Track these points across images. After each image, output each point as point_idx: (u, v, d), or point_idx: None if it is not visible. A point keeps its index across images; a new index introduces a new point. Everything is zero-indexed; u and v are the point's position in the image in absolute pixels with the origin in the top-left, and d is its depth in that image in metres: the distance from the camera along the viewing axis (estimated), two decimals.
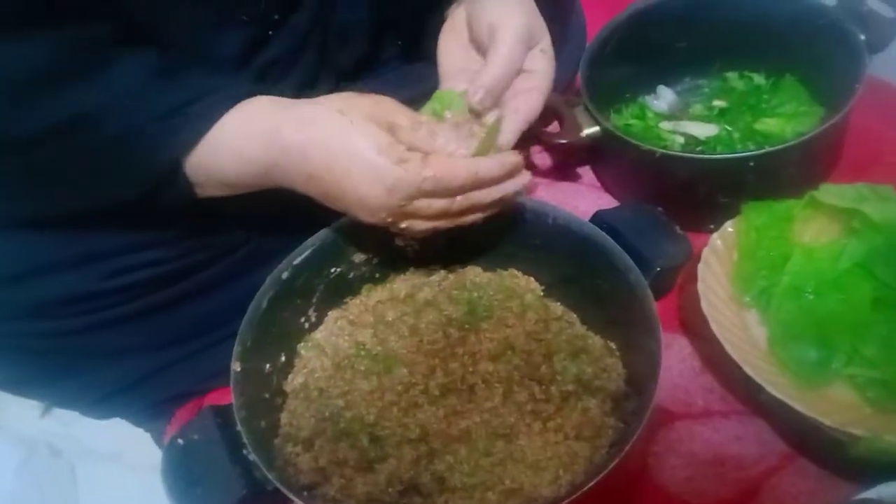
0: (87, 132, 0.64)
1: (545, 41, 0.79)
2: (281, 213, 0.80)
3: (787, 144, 0.85)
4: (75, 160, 0.66)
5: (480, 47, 0.79)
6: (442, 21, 0.84)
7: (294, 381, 0.76)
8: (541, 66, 0.78)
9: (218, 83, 0.69)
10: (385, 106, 0.67)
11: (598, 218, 0.78)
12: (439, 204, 0.67)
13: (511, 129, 0.76)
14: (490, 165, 0.68)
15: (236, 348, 0.69)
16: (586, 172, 1.07)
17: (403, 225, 0.69)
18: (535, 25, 0.78)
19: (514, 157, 0.70)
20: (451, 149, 0.68)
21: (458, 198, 0.68)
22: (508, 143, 0.75)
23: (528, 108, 0.77)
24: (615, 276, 0.72)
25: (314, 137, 0.65)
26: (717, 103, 1.08)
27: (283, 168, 0.67)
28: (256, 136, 0.66)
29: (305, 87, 0.81)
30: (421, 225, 0.69)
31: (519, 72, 0.77)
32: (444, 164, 0.65)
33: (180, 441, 0.67)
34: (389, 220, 0.68)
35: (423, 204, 0.67)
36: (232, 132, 0.66)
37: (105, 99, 0.63)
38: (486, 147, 0.70)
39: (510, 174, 0.70)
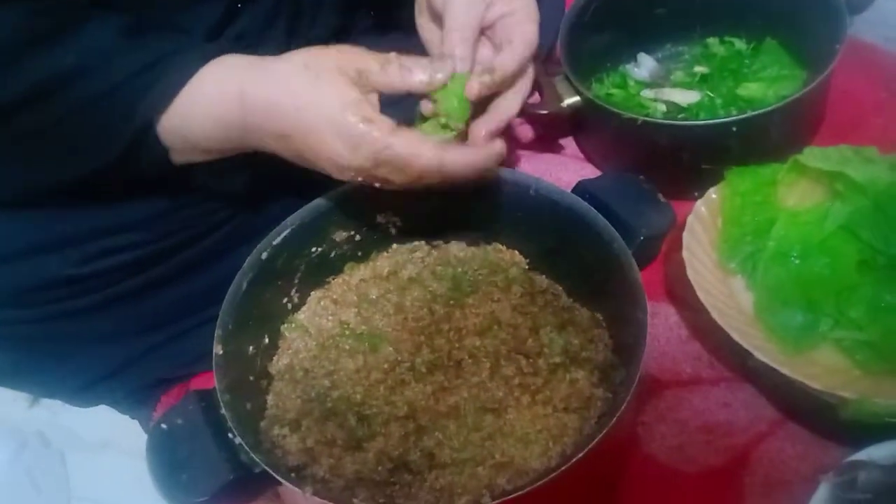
0: (60, 95, 0.63)
1: None
2: (261, 191, 0.79)
3: (770, 108, 0.85)
4: (51, 126, 0.65)
5: (435, 16, 0.77)
6: None
7: (279, 363, 0.75)
8: (513, 6, 0.74)
9: (189, 41, 0.68)
10: (351, 54, 0.66)
11: (581, 188, 0.77)
12: (403, 179, 0.66)
13: (509, 58, 0.73)
14: (456, 159, 0.66)
15: (217, 331, 0.68)
16: (568, 143, 1.06)
17: (377, 185, 0.68)
18: None
19: (483, 156, 0.68)
20: (426, 79, 0.67)
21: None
22: (510, 72, 0.73)
23: (523, 36, 0.74)
24: (599, 246, 0.71)
25: (281, 95, 0.64)
26: (699, 69, 1.07)
27: (254, 127, 0.66)
28: (227, 95, 0.65)
29: None
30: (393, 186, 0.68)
31: (480, 27, 0.74)
32: (410, 141, 0.64)
33: (164, 426, 0.66)
34: (360, 179, 0.66)
35: (388, 172, 0.65)
36: (204, 91, 0.65)
37: (77, 59, 0.62)
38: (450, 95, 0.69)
39: (476, 171, 0.68)
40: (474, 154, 0.68)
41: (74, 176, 0.69)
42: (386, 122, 0.63)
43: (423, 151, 0.64)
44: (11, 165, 0.70)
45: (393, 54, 0.67)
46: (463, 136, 0.72)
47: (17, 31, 0.60)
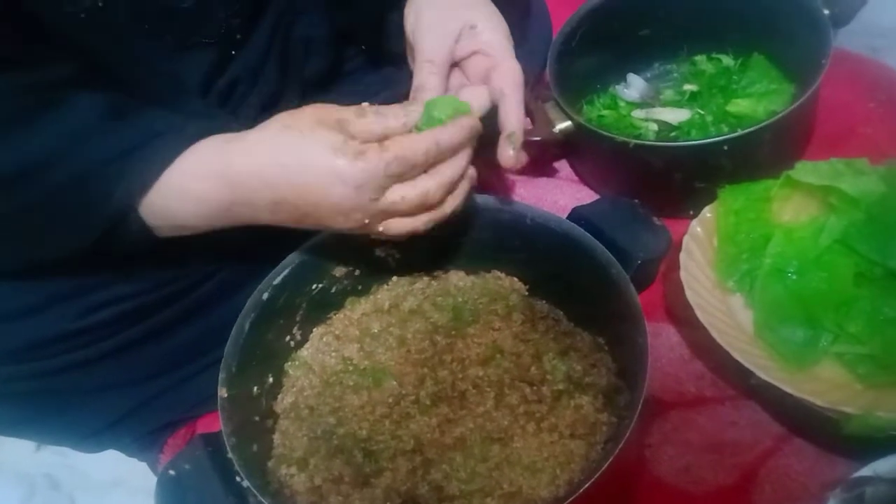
0: (34, 180, 0.62)
1: (474, 18, 0.77)
2: (256, 234, 0.80)
3: (760, 126, 0.85)
4: (25, 209, 0.64)
5: (410, 48, 0.79)
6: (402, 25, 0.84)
7: (284, 402, 0.75)
8: (483, 40, 0.76)
9: (166, 124, 0.66)
10: (326, 108, 0.65)
11: (576, 214, 0.78)
12: (413, 194, 0.64)
13: (510, 108, 0.74)
14: (448, 130, 0.65)
15: (221, 374, 0.68)
16: (563, 166, 1.07)
17: (381, 227, 0.66)
18: (448, 16, 0.76)
19: (470, 120, 0.67)
20: (401, 122, 0.65)
21: (431, 183, 0.64)
22: (520, 118, 0.74)
23: (510, 81, 0.75)
24: (597, 271, 0.72)
25: (268, 161, 0.63)
26: (688, 87, 1.08)
27: (244, 201, 0.65)
28: (210, 177, 0.64)
29: (270, 103, 0.80)
30: (399, 224, 0.66)
31: (451, 60, 0.76)
32: (401, 141, 0.63)
33: (172, 472, 0.66)
34: (367, 221, 0.65)
35: (397, 196, 0.64)
36: (184, 175, 0.64)
37: (51, 144, 0.61)
38: None
39: (470, 135, 0.67)
40: (455, 119, 0.67)
41: (52, 255, 0.69)
42: (373, 146, 0.63)
43: (416, 139, 0.64)
44: None
45: (365, 104, 0.66)
46: None
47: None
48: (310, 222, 0.66)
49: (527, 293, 0.82)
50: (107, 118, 0.64)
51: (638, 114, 1.06)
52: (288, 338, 0.79)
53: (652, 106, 1.07)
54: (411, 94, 0.74)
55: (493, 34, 0.77)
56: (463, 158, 0.67)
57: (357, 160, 0.61)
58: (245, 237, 0.73)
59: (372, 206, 0.64)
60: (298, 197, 0.63)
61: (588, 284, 0.74)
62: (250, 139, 0.64)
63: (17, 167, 0.61)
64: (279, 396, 0.76)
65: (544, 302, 0.81)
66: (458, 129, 0.66)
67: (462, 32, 0.76)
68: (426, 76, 0.74)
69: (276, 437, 0.73)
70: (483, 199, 0.80)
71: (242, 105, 0.80)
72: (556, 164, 1.07)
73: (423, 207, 0.66)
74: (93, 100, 0.64)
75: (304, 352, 0.79)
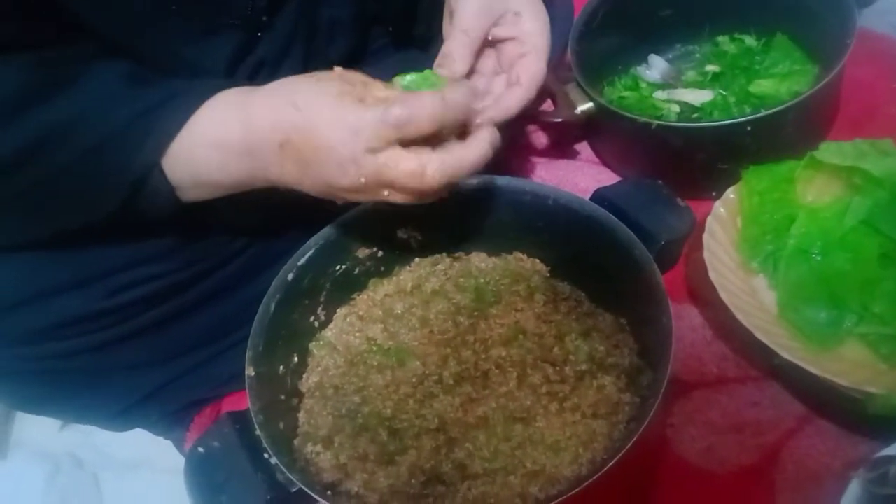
0: (63, 145, 0.63)
1: (519, 6, 0.76)
2: (280, 214, 0.80)
3: (784, 106, 0.85)
4: (56, 176, 0.64)
5: (449, 20, 0.78)
6: (436, 6, 0.83)
7: (309, 381, 0.76)
8: (523, 29, 0.76)
9: (189, 82, 0.67)
10: (359, 74, 0.65)
11: (599, 196, 0.78)
12: (408, 165, 0.61)
13: (515, 99, 0.74)
14: (455, 89, 0.63)
15: (248, 353, 0.69)
16: (584, 148, 1.07)
17: (385, 192, 0.64)
18: None
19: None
20: (427, 112, 0.62)
21: (435, 160, 0.62)
22: (515, 111, 0.74)
23: (529, 74, 0.75)
24: (620, 253, 0.72)
25: (282, 100, 0.63)
26: (710, 68, 1.07)
27: (256, 146, 0.64)
28: (229, 120, 0.64)
29: None
30: (396, 196, 0.64)
31: (483, 42, 0.76)
32: (407, 96, 0.62)
33: (201, 450, 0.67)
34: (363, 180, 0.62)
35: (391, 159, 0.61)
36: (206, 125, 0.65)
37: (77, 110, 0.62)
38: None
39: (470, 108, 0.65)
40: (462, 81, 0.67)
41: (81, 224, 0.69)
42: (376, 95, 0.62)
43: (422, 96, 0.62)
44: (17, 216, 0.70)
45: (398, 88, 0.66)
46: None
47: (20, 86, 0.61)
48: (312, 175, 0.64)
49: (549, 274, 0.82)
50: (129, 81, 0.65)
51: (659, 95, 1.05)
52: (312, 318, 0.79)
53: (674, 87, 1.06)
54: (437, 61, 0.74)
55: (533, 25, 0.76)
56: (476, 153, 0.64)
57: (358, 104, 0.61)
58: (270, 216, 0.73)
59: (366, 161, 0.61)
60: (302, 139, 0.63)
61: (611, 265, 0.74)
62: (272, 84, 0.65)
63: (46, 135, 0.62)
64: (304, 376, 0.77)
65: (566, 283, 0.81)
66: (464, 90, 0.63)
67: (504, 17, 0.76)
68: (457, 46, 0.73)
69: (301, 416, 0.74)
70: (504, 181, 0.80)
71: None
72: (578, 146, 1.07)
73: (419, 180, 0.63)
74: (114, 67, 0.65)
75: (329, 332, 0.80)
